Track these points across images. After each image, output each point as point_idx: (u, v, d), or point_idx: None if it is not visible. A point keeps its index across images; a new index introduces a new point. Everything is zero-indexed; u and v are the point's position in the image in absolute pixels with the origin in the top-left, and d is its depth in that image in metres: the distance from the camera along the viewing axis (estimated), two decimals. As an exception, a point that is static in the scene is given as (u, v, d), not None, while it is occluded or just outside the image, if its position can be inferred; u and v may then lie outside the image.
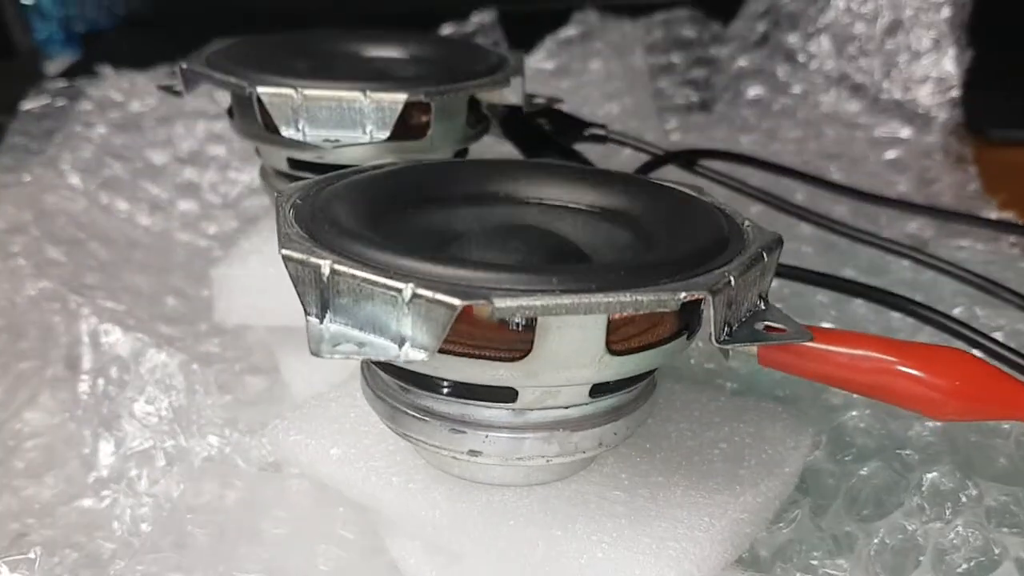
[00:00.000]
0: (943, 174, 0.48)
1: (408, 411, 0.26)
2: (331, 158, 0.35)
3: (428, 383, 0.25)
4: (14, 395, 0.39)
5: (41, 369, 0.38)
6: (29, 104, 0.58)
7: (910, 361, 0.25)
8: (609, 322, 0.23)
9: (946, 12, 0.50)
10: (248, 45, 0.41)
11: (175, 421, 0.35)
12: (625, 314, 0.23)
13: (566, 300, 0.21)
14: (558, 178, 0.30)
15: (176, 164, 0.53)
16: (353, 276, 0.22)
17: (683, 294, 0.22)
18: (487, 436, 0.25)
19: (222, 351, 0.41)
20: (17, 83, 0.66)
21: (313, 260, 0.22)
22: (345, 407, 0.31)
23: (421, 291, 0.21)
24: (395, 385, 0.26)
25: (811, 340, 0.24)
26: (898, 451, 0.30)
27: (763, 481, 0.28)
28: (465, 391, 0.25)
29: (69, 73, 0.70)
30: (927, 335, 0.33)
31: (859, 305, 0.37)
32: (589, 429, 0.25)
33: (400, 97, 0.34)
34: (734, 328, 0.24)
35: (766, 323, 0.25)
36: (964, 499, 0.27)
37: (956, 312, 0.37)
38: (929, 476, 0.28)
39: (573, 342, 0.23)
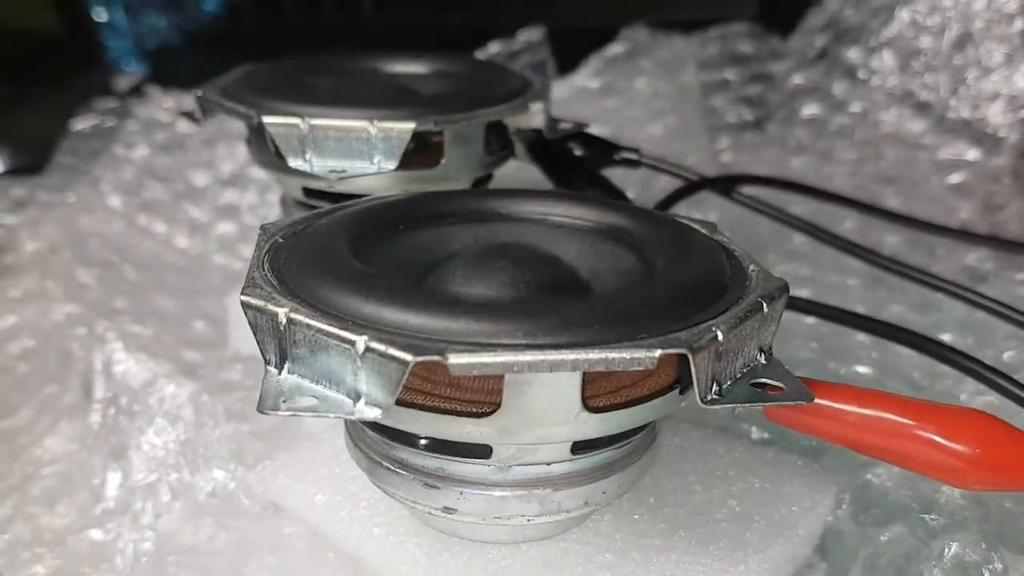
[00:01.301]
0: (1011, 200, 0.44)
1: (383, 462, 0.25)
2: (342, 187, 0.34)
3: (403, 435, 0.24)
4: (38, 420, 0.39)
5: (61, 395, 0.38)
6: (79, 124, 0.59)
7: (927, 424, 0.23)
8: (586, 376, 0.21)
9: (1019, 24, 0.47)
10: (272, 70, 0.40)
11: (181, 454, 0.34)
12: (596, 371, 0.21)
13: (528, 357, 0.20)
14: (544, 210, 0.28)
15: (217, 186, 0.53)
16: (308, 326, 0.21)
17: (658, 352, 0.20)
18: (462, 493, 0.24)
19: (243, 378, 0.41)
20: (89, 99, 0.67)
21: (271, 308, 0.21)
22: (336, 451, 0.29)
23: (374, 344, 0.20)
24: (372, 435, 0.25)
25: (811, 401, 0.22)
26: (923, 515, 0.27)
27: (772, 546, 0.26)
28: (440, 445, 0.24)
29: (136, 90, 0.72)
30: (974, 384, 0.30)
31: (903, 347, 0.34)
32: (574, 488, 0.24)
33: (408, 126, 0.33)
34: (725, 385, 0.22)
35: (764, 380, 0.22)
36: (987, 574, 0.24)
37: (1007, 356, 0.33)
38: (953, 545, 0.25)
39: (544, 398, 0.21)
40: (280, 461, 0.30)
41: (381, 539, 0.26)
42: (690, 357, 0.20)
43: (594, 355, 0.20)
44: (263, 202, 0.53)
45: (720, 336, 0.21)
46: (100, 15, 0.94)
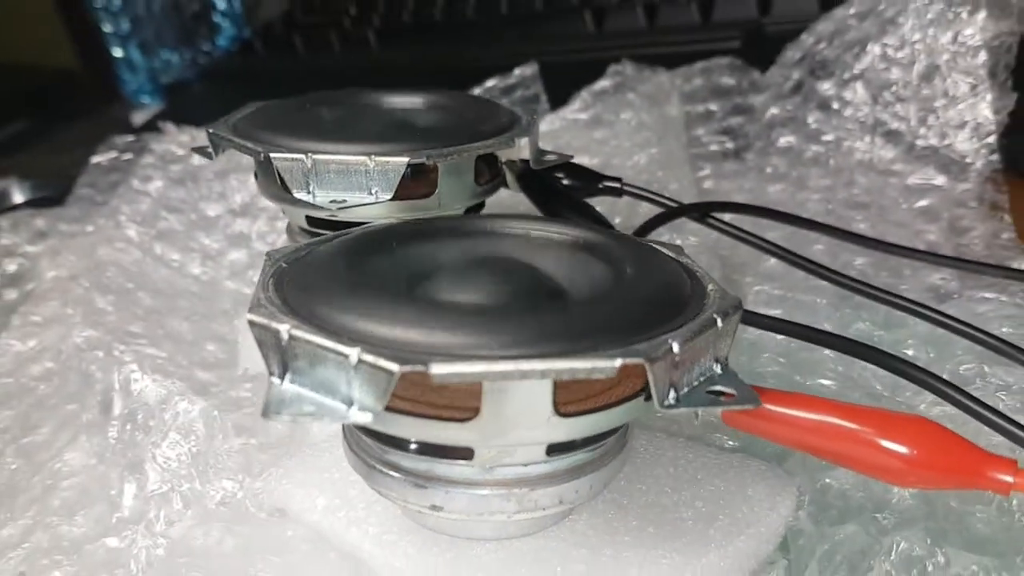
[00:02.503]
0: (977, 223, 0.47)
1: (378, 466, 0.27)
2: (343, 216, 0.37)
3: (395, 440, 0.27)
4: (58, 436, 0.42)
5: (80, 413, 0.41)
6: (98, 157, 0.62)
7: (868, 428, 0.25)
8: (558, 384, 0.24)
9: (983, 57, 0.49)
10: (277, 107, 0.43)
11: (193, 466, 0.37)
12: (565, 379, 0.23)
13: (502, 367, 0.22)
14: (523, 232, 0.31)
15: (229, 216, 0.56)
16: (308, 341, 0.23)
17: (619, 361, 0.22)
18: (447, 492, 0.26)
19: (252, 395, 0.43)
20: (106, 132, 0.70)
21: (274, 325, 0.24)
22: (337, 457, 0.32)
23: (365, 356, 0.22)
24: (368, 441, 0.28)
25: (757, 405, 0.24)
26: (876, 514, 0.29)
27: (733, 541, 0.28)
28: (427, 448, 0.26)
29: (149, 125, 0.75)
30: (932, 396, 0.33)
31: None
32: (549, 487, 0.26)
33: (402, 161, 0.35)
34: (682, 392, 0.24)
35: (718, 388, 0.25)
36: (931, 567, 0.27)
37: (963, 369, 0.36)
38: (901, 542, 0.28)
39: (519, 404, 0.24)
40: (284, 468, 0.32)
41: (376, 538, 0.29)
42: (647, 366, 0.23)
43: (560, 364, 0.22)
44: (272, 229, 0.55)
45: (676, 348, 0.23)
46: (116, 51, 0.98)
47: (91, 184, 0.60)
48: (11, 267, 0.55)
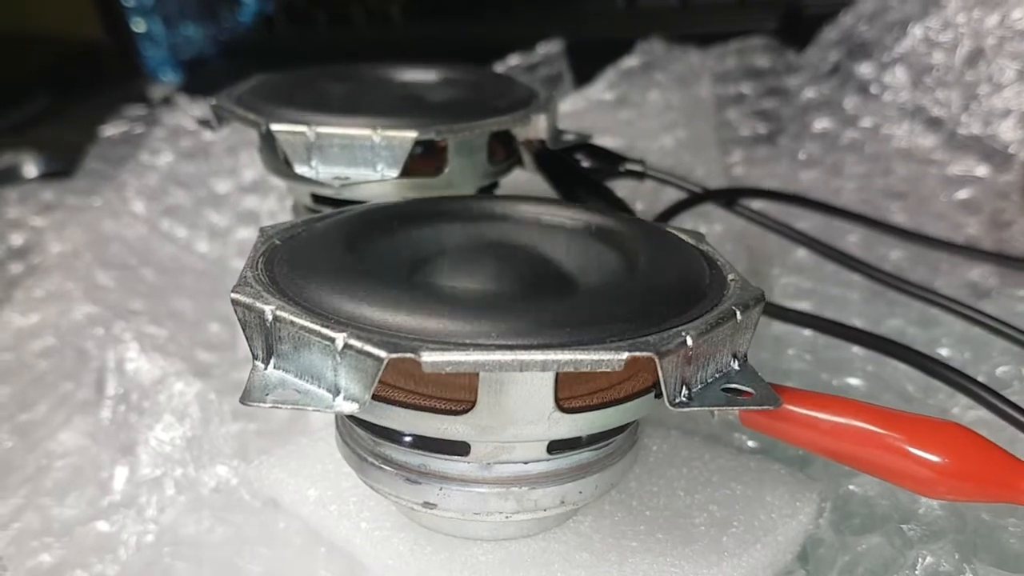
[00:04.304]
0: (1019, 216, 0.44)
1: (369, 458, 0.25)
2: (348, 194, 0.35)
3: (387, 432, 0.25)
4: (54, 414, 0.40)
5: (76, 392, 0.39)
6: (109, 130, 0.60)
7: (898, 433, 0.23)
8: (561, 377, 0.22)
9: (1032, 41, 0.47)
10: (285, 79, 0.42)
11: (187, 450, 0.36)
12: (566, 372, 0.22)
13: (499, 357, 0.20)
14: (541, 216, 0.29)
15: (238, 192, 0.55)
16: (292, 324, 0.22)
17: (625, 354, 0.20)
18: (441, 488, 0.24)
19: (253, 379, 0.42)
20: (122, 106, 0.69)
21: (258, 305, 0.22)
22: (330, 448, 0.30)
23: (352, 342, 0.21)
24: (360, 432, 0.26)
25: (778, 406, 0.22)
26: (902, 525, 0.27)
27: (748, 551, 0.26)
28: (420, 441, 0.24)
29: (168, 99, 0.74)
30: (966, 399, 0.30)
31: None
32: (550, 487, 0.24)
33: (410, 135, 0.34)
34: (695, 389, 0.22)
35: (735, 385, 0.23)
36: (958, 584, 0.25)
37: (1000, 372, 0.34)
38: (927, 556, 0.25)
39: (517, 397, 0.22)
40: (276, 456, 0.31)
41: (368, 533, 0.27)
42: (656, 360, 0.21)
43: (563, 356, 0.20)
44: (283, 208, 0.54)
45: (689, 341, 0.21)
46: (139, 25, 0.97)
47: (102, 157, 0.59)
48: (18, 240, 0.54)
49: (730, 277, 0.25)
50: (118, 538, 0.34)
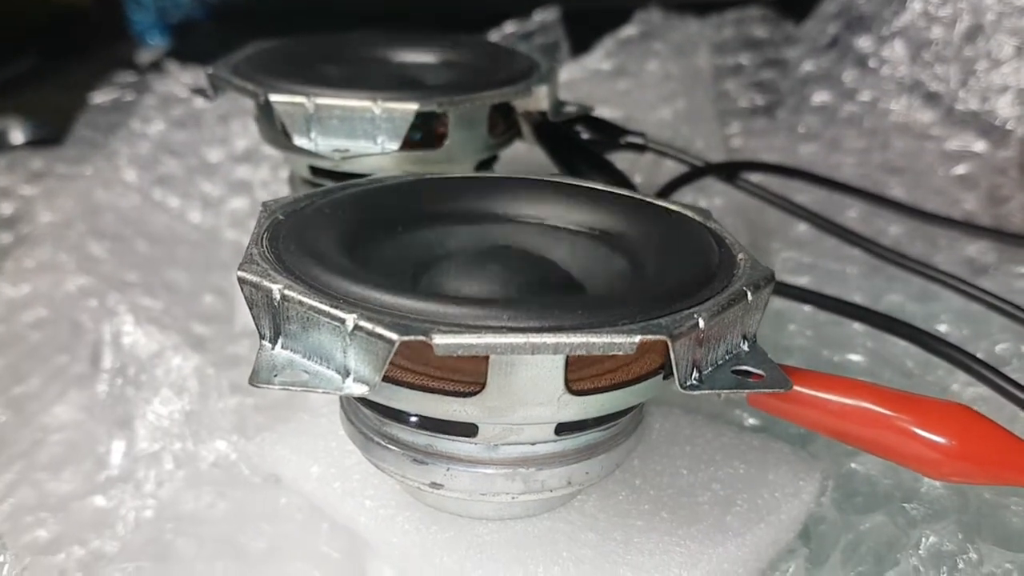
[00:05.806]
0: (1017, 192, 0.44)
1: (375, 438, 0.25)
2: (347, 167, 0.35)
3: (394, 412, 0.25)
4: (48, 388, 0.40)
5: (70, 365, 0.39)
6: (99, 97, 0.59)
7: (905, 414, 0.23)
8: (570, 360, 0.22)
9: (1032, 16, 0.47)
10: (282, 48, 0.41)
11: (185, 424, 0.35)
12: (577, 355, 0.21)
13: (510, 340, 0.20)
14: (550, 198, 0.28)
15: (231, 162, 0.54)
16: (301, 303, 0.21)
17: (638, 337, 0.20)
18: (448, 469, 0.24)
19: (249, 353, 0.42)
20: (112, 71, 0.68)
21: (265, 284, 0.22)
22: (333, 425, 0.30)
23: (362, 323, 0.20)
24: (366, 411, 0.26)
25: (788, 389, 0.22)
26: (904, 504, 0.27)
27: (752, 529, 0.26)
28: (428, 422, 0.24)
29: (156, 64, 0.73)
30: (965, 376, 0.30)
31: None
32: (557, 467, 0.24)
33: (411, 107, 0.33)
34: (706, 372, 0.22)
35: (745, 367, 0.23)
36: (962, 564, 0.25)
37: (999, 348, 0.34)
38: (930, 535, 0.26)
39: (527, 380, 0.22)
40: (279, 433, 0.30)
41: (372, 511, 0.27)
42: (669, 343, 0.20)
43: (575, 339, 0.20)
44: (275, 178, 0.53)
45: (701, 323, 0.21)
46: (125, -12, 0.95)
47: (91, 124, 0.58)
48: (7, 210, 0.54)
49: (739, 256, 0.25)
50: (116, 513, 0.34)
